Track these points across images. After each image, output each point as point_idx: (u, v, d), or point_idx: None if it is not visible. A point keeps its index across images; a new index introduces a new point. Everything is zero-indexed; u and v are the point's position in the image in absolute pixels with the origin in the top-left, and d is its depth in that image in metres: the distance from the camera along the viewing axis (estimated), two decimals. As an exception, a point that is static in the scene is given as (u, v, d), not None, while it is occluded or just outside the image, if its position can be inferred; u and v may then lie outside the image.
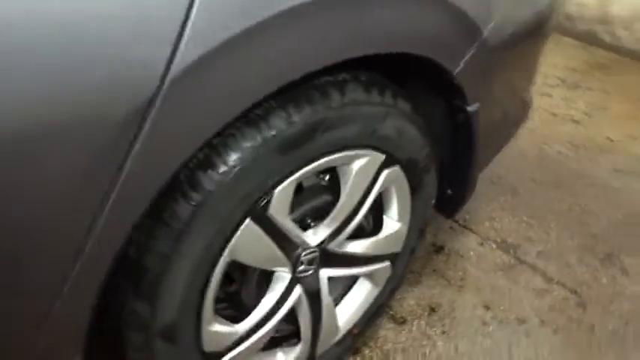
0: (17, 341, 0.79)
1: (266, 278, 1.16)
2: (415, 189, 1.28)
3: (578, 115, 2.75)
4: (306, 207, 1.14)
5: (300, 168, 0.99)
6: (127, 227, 0.77)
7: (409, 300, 1.68)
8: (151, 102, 0.69)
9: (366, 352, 1.53)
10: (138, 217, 0.77)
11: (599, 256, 1.95)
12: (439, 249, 1.86)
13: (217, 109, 0.77)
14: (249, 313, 1.13)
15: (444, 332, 1.62)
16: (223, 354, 1.12)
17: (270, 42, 0.76)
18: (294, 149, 0.96)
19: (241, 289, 1.12)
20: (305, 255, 1.16)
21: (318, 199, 1.16)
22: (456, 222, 1.95)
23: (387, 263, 1.36)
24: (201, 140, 0.78)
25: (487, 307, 1.71)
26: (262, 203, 0.98)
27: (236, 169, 0.90)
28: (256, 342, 1.15)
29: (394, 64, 1.12)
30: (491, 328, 1.65)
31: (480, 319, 1.67)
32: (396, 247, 1.36)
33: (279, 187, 0.98)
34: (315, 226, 1.16)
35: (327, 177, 1.19)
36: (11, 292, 0.73)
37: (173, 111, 0.71)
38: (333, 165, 1.08)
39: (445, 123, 1.33)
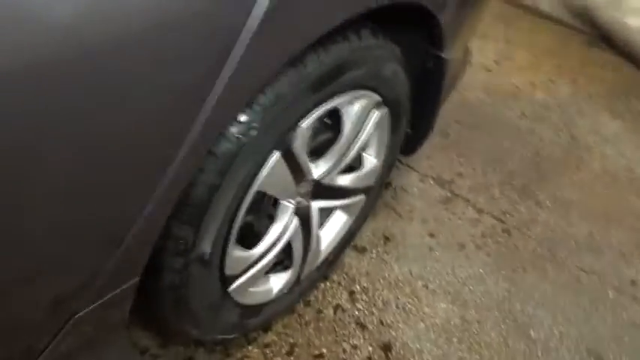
0: (96, 255, 0.85)
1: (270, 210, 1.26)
2: (394, 128, 1.42)
3: (489, 63, 3.01)
4: (311, 143, 1.24)
5: (322, 105, 1.09)
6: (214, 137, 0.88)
7: (366, 231, 1.84)
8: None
9: (334, 277, 1.69)
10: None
11: (517, 189, 2.22)
12: (387, 185, 2.03)
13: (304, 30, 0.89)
14: (259, 241, 1.24)
15: (398, 258, 1.80)
16: (236, 277, 1.22)
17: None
18: (322, 87, 1.06)
19: (254, 220, 1.21)
20: (302, 188, 1.27)
21: (321, 136, 1.26)
22: (399, 161, 2.13)
23: (362, 196, 1.50)
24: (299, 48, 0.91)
25: (432, 235, 1.91)
26: (289, 137, 1.07)
27: (276, 105, 0.99)
28: (263, 267, 1.26)
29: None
30: (437, 253, 1.86)
31: (427, 246, 1.88)
32: (371, 182, 1.50)
33: (304, 123, 1.08)
34: (314, 160, 1.27)
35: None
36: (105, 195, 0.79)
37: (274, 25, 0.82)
38: (341, 103, 1.18)
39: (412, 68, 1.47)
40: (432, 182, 2.13)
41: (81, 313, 0.93)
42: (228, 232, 1.09)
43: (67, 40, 0.66)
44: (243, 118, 0.96)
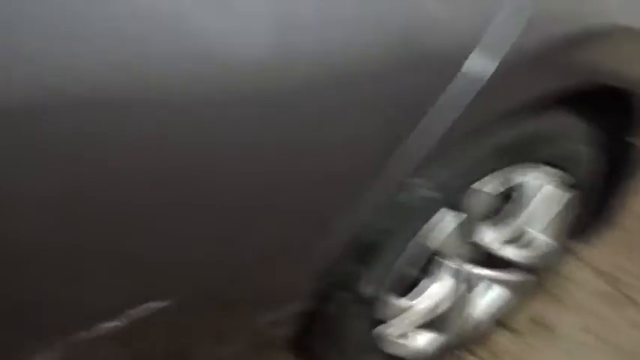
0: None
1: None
2: (573, 211, 1.37)
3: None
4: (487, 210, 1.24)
5: (502, 174, 1.10)
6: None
7: (520, 312, 1.76)
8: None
9: (478, 351, 1.63)
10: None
11: (693, 302, 2.01)
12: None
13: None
14: (416, 294, 1.25)
15: (549, 347, 1.71)
16: (385, 324, 1.23)
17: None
18: (504, 157, 1.08)
19: (415, 272, 1.23)
20: (467, 251, 1.26)
21: (498, 205, 1.25)
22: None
23: (526, 274, 1.45)
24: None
25: (589, 331, 1.79)
26: (464, 199, 1.09)
27: (455, 165, 1.02)
28: (413, 320, 1.27)
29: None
30: (591, 350, 1.74)
31: (582, 341, 1.76)
32: (539, 261, 1.45)
33: (481, 187, 1.09)
34: (486, 227, 1.26)
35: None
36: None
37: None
38: (524, 176, 1.17)
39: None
40: (595, 274, 1.99)
41: (242, 325, 1.00)
42: (390, 278, 1.11)
43: (263, 78, 0.71)
44: (423, 171, 1.00)
